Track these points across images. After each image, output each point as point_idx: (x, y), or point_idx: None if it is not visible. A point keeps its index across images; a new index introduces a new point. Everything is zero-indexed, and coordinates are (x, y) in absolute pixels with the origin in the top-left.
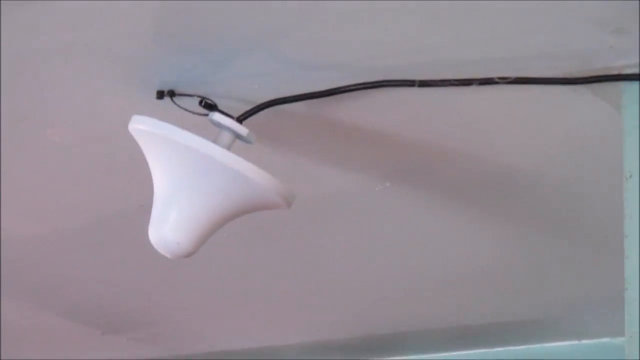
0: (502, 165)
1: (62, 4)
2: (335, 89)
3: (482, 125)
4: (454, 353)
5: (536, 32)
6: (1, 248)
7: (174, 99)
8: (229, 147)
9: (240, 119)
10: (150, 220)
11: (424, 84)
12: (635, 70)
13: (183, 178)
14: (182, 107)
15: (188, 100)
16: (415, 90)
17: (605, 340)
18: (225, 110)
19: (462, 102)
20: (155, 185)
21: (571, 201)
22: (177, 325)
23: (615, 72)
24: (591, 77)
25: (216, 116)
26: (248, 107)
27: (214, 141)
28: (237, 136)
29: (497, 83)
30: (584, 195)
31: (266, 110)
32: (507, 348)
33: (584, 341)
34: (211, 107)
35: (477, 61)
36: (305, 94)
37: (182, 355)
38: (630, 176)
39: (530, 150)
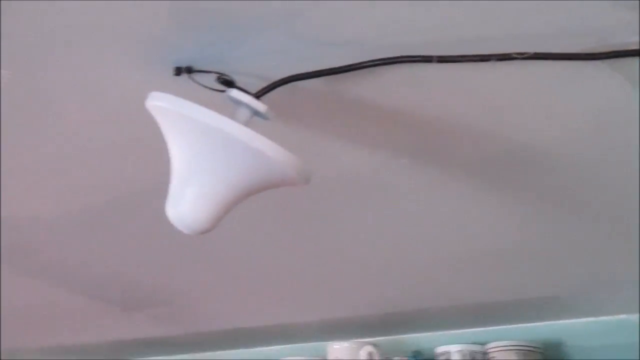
0: (519, 142)
1: None
2: (352, 65)
3: (499, 102)
4: (472, 330)
5: (554, 8)
6: (20, 229)
7: (192, 75)
8: (246, 124)
9: (257, 96)
10: (168, 197)
11: (442, 59)
12: None
13: (200, 154)
14: (199, 84)
15: (206, 77)
16: (433, 67)
17: (622, 317)
18: (243, 87)
19: (480, 78)
20: (173, 162)
21: (589, 178)
22: (195, 303)
23: (633, 48)
24: (610, 53)
25: (234, 92)
26: (265, 84)
27: (232, 117)
28: (255, 112)
29: (515, 59)
30: (602, 172)
31: (283, 87)
32: (526, 325)
33: (601, 318)
34: (229, 83)
35: (495, 38)
36: (322, 70)
37: (200, 332)
38: None
39: (548, 126)
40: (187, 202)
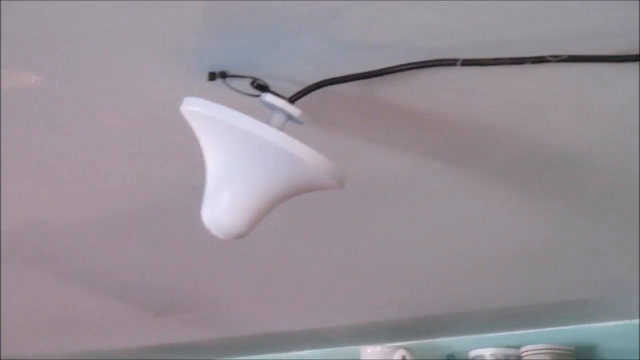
0: (552, 144)
1: None
2: (385, 69)
3: (532, 105)
4: (506, 333)
5: (585, 9)
6: (51, 232)
7: (226, 80)
8: (281, 128)
9: (291, 100)
10: (203, 201)
11: (467, 62)
12: None
13: (236, 159)
14: (234, 88)
15: (240, 81)
16: (465, 70)
17: None
18: (277, 92)
19: (512, 81)
20: (207, 167)
21: (621, 181)
22: (226, 307)
23: None
24: None
25: (268, 97)
26: (299, 88)
27: (267, 122)
28: (289, 117)
29: (549, 61)
30: (634, 176)
31: (317, 91)
32: (559, 328)
33: (635, 320)
34: (263, 88)
35: (526, 41)
36: (355, 75)
37: (231, 337)
38: None
39: (581, 129)
40: (222, 207)
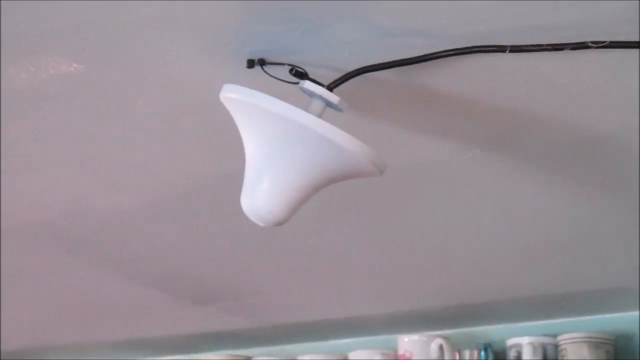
0: (593, 131)
1: None
2: (425, 55)
3: (573, 91)
4: (543, 322)
5: None
6: (92, 220)
7: (264, 67)
8: (320, 115)
9: (330, 87)
10: (243, 189)
11: (515, 49)
12: None
13: (275, 146)
14: (272, 76)
15: (278, 68)
16: (506, 56)
17: None
18: (316, 79)
19: (553, 67)
20: (247, 154)
21: None
22: (266, 296)
23: None
24: None
25: (307, 84)
26: (338, 75)
27: (306, 109)
28: (328, 104)
29: (590, 47)
30: None
31: (356, 78)
32: (597, 316)
33: None
34: (302, 75)
35: (565, 26)
36: (394, 61)
37: (271, 325)
38: None
39: (623, 115)
40: (262, 195)
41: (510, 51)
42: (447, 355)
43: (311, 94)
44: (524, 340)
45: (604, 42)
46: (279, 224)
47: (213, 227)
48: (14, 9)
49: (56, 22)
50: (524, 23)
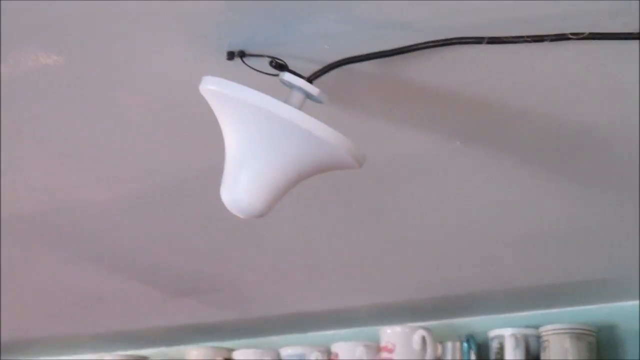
0: (574, 123)
1: None
2: (404, 47)
3: (553, 83)
4: (525, 313)
5: None
6: (74, 213)
7: (244, 59)
8: (300, 107)
9: (310, 79)
10: (222, 181)
11: (493, 40)
12: None
13: (255, 138)
14: (252, 68)
15: (258, 60)
16: (486, 48)
17: None
18: (296, 71)
19: (533, 59)
20: (227, 146)
21: None
22: (248, 288)
23: None
24: None
25: (287, 76)
26: (318, 67)
27: (285, 101)
28: (308, 96)
29: (570, 39)
30: None
31: (336, 70)
32: (579, 307)
33: None
34: (282, 67)
35: (547, 18)
36: (374, 53)
37: (253, 317)
38: None
39: (603, 107)
40: (242, 186)
41: (488, 42)
42: (429, 347)
43: (291, 86)
44: (507, 332)
45: (582, 33)
46: (259, 215)
47: (196, 219)
48: None
49: (35, 14)
50: (505, 15)
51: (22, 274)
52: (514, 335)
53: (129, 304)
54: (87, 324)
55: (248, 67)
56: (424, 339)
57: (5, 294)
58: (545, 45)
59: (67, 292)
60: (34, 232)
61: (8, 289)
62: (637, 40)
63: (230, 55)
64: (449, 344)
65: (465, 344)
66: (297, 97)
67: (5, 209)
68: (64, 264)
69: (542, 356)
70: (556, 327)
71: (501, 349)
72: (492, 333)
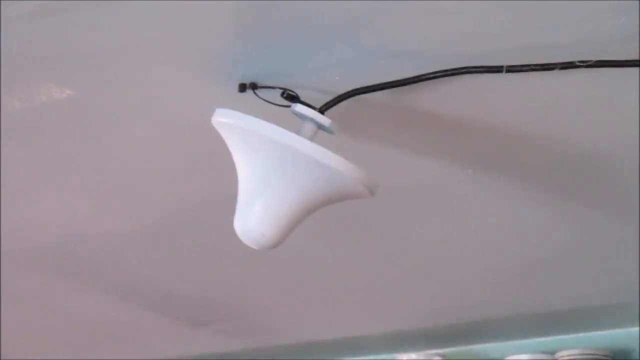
0: (584, 149)
1: (143, 3)
2: (416, 77)
3: (563, 110)
4: (541, 339)
5: (615, 15)
6: (86, 244)
7: (256, 91)
8: (312, 138)
9: (322, 110)
10: (236, 212)
11: (509, 69)
12: None
13: (267, 169)
14: (264, 99)
15: (270, 92)
16: (497, 76)
17: None
18: (307, 102)
19: (543, 87)
20: (239, 177)
21: None
22: (262, 317)
23: None
24: None
25: (298, 107)
26: (329, 98)
27: (297, 132)
28: (320, 127)
29: (578, 67)
30: None
31: (347, 100)
32: (594, 333)
33: None
34: (293, 98)
35: (556, 46)
36: (386, 83)
37: (267, 346)
38: None
39: (612, 134)
40: (254, 218)
41: (506, 72)
42: None
43: (303, 117)
44: (523, 357)
45: (590, 61)
46: (272, 246)
47: (207, 249)
48: (5, 38)
49: (48, 49)
50: (513, 44)
51: (33, 305)
52: None
53: (141, 334)
54: (99, 355)
55: (260, 99)
56: None
57: (16, 325)
58: (554, 73)
59: (79, 322)
60: (46, 263)
61: (19, 320)
62: None
63: (242, 87)
64: None
65: None
66: (309, 128)
67: (17, 240)
68: (76, 295)
69: None
70: (572, 352)
71: None
72: (509, 359)
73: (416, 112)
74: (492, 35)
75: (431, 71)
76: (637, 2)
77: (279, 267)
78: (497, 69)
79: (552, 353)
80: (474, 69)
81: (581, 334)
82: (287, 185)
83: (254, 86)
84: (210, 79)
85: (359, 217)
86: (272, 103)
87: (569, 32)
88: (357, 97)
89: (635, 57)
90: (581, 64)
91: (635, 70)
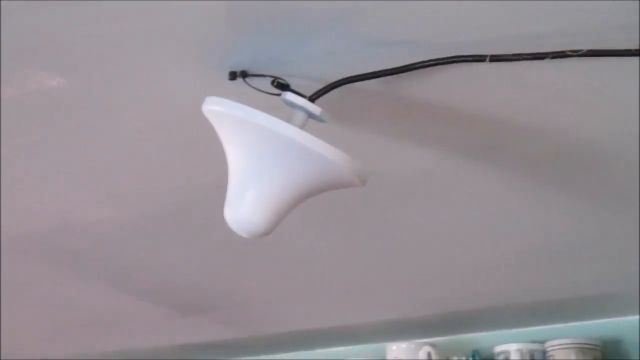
0: (575, 139)
1: None
2: (407, 65)
3: (554, 100)
4: (531, 328)
5: (606, 3)
6: (81, 233)
7: (247, 79)
8: (302, 127)
9: (312, 98)
10: (226, 200)
11: (495, 58)
12: None
13: (258, 158)
14: (254, 88)
15: (260, 80)
16: (488, 66)
17: None
18: (298, 90)
19: (534, 76)
20: (229, 166)
21: None
22: (256, 306)
23: None
24: None
25: (289, 95)
26: (320, 86)
27: (288, 121)
28: (310, 115)
29: (569, 56)
30: None
31: (338, 89)
32: (584, 322)
33: None
34: (284, 86)
35: (549, 35)
36: (377, 72)
37: (261, 335)
38: None
39: (604, 123)
40: (245, 206)
41: (490, 60)
42: None
43: (293, 105)
44: (512, 347)
45: (581, 50)
46: (263, 235)
47: (202, 238)
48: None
49: (39, 37)
50: (506, 32)
51: (28, 294)
52: (520, 350)
53: (136, 323)
54: (94, 344)
55: (250, 87)
56: (429, 355)
57: (11, 314)
58: (545, 62)
59: (73, 311)
60: (39, 252)
61: (14, 309)
62: (635, 57)
63: (233, 76)
64: None
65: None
66: (300, 116)
67: (11, 229)
68: (70, 284)
69: None
70: (562, 341)
71: None
72: (498, 348)
73: (407, 101)
74: (487, 25)
75: (423, 60)
76: None
77: (270, 256)
78: (482, 58)
79: (542, 342)
80: (461, 58)
81: (571, 324)
82: (277, 173)
83: (244, 74)
84: (201, 67)
85: (350, 206)
86: (263, 91)
87: (567, 20)
88: (348, 85)
89: (634, 46)
90: (572, 54)
91: (629, 59)
